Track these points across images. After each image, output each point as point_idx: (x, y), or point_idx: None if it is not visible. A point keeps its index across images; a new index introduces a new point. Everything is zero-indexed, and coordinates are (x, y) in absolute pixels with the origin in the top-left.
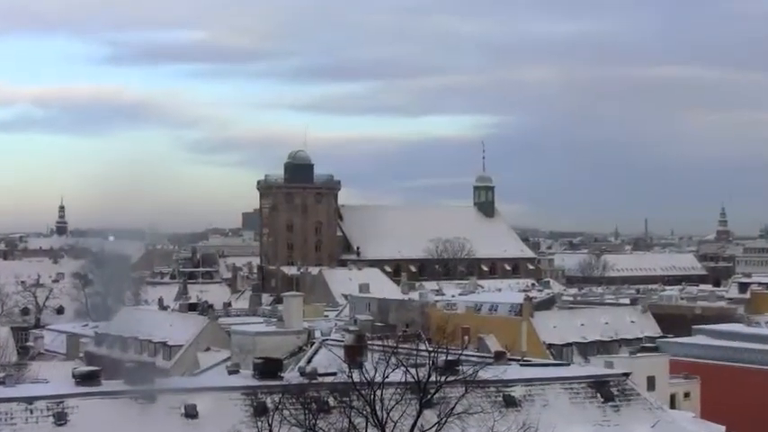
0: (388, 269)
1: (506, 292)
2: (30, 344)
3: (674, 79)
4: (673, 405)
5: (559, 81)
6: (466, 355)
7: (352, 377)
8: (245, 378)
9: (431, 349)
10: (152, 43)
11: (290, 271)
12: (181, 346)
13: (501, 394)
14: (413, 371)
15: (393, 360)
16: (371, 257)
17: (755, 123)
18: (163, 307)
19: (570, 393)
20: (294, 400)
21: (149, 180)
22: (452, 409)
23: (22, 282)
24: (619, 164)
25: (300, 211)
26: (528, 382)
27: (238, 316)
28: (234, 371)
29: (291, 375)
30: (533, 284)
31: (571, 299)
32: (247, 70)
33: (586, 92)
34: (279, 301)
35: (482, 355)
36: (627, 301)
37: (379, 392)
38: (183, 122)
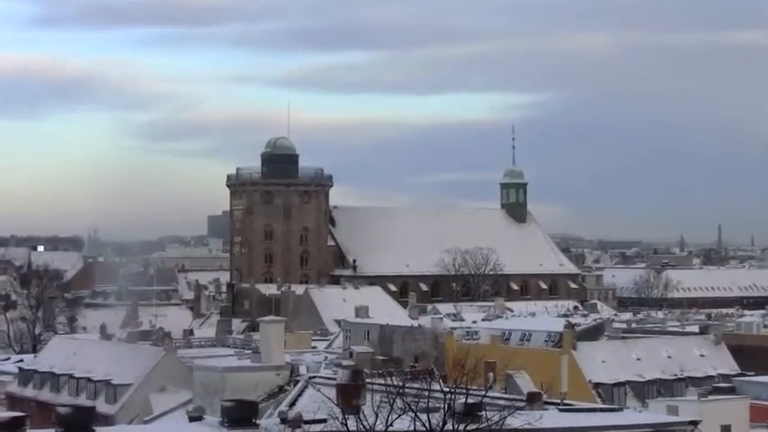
0: (393, 288)
1: (542, 318)
2: None
3: (758, 46)
4: None
5: (614, 49)
6: (491, 398)
7: (346, 424)
8: (211, 426)
9: (446, 390)
10: (93, 0)
11: (269, 290)
12: (129, 385)
13: None
14: (423, 417)
15: (399, 403)
16: (371, 273)
17: None
18: (106, 336)
19: None
20: None
21: (88, 175)
22: None
23: None
24: (686, 154)
25: (282, 215)
26: (570, 431)
27: (203, 347)
28: (196, 417)
29: (270, 422)
30: (576, 308)
31: (624, 326)
32: (215, 35)
33: (647, 63)
34: (254, 328)
35: (511, 397)
36: (695, 329)
37: None
38: (133, 102)
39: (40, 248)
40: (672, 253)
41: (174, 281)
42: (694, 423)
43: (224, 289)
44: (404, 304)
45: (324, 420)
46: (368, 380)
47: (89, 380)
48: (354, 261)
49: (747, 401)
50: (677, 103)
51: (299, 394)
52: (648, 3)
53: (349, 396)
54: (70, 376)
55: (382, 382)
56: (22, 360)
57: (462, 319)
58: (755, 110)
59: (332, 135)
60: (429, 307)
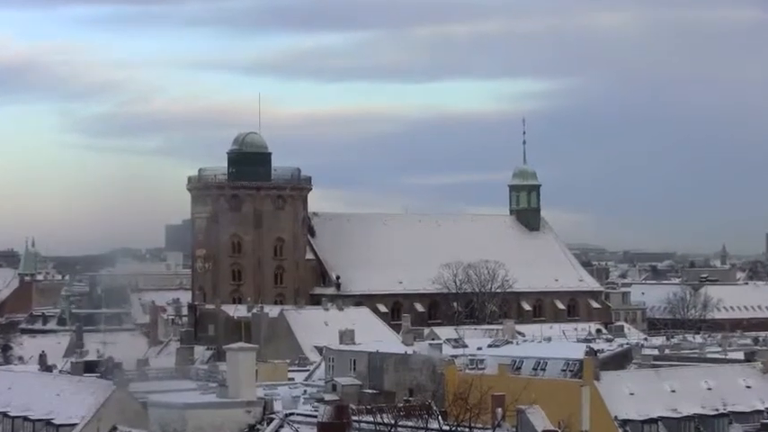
0: (384, 309)
1: (559, 343)
2: None
3: None
4: None
5: (642, 29)
6: None
7: None
8: None
9: (446, 428)
10: None
11: (238, 312)
12: (73, 425)
13: None
14: None
15: None
16: (358, 291)
17: None
18: (46, 367)
19: None
20: None
21: (24, 178)
22: None
23: None
24: (728, 150)
25: (252, 224)
26: None
27: (160, 380)
28: None
29: None
30: (599, 331)
31: (656, 352)
32: (175, 14)
33: (683, 45)
34: (220, 357)
35: None
36: (740, 355)
37: None
38: (76, 92)
39: None
40: (712, 266)
41: (126, 302)
42: None
43: (185, 311)
44: (396, 328)
45: None
46: (354, 417)
47: (26, 419)
48: (338, 278)
49: None
50: (718, 90)
51: None
52: None
53: None
54: (4, 415)
55: (371, 419)
56: None
57: (465, 346)
58: None
59: (311, 130)
60: (426, 331)
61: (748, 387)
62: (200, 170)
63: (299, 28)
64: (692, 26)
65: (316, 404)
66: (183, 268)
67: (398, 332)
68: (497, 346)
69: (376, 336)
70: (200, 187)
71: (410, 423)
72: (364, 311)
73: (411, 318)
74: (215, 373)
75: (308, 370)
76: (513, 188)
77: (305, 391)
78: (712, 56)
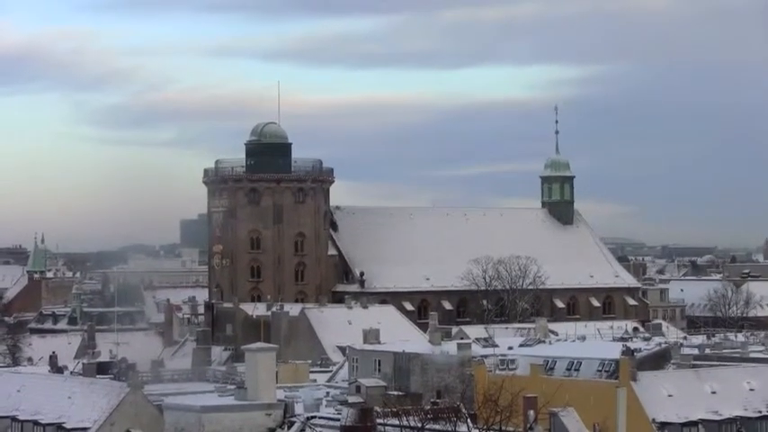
0: (410, 307)
1: (594, 342)
2: None
3: None
4: None
5: (688, 11)
6: None
7: None
8: None
9: (476, 431)
10: None
11: (257, 311)
12: (85, 429)
13: None
14: None
15: None
16: (383, 288)
17: None
18: (57, 369)
19: None
20: None
21: (34, 171)
22: None
23: None
24: None
25: (272, 218)
26: None
27: (176, 381)
28: None
29: None
30: (636, 329)
31: (696, 351)
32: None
33: (732, 29)
34: (239, 357)
35: None
36: None
37: None
38: (88, 80)
39: None
40: (754, 261)
41: (140, 300)
42: None
43: (201, 310)
44: (423, 327)
45: None
46: (379, 420)
47: (36, 423)
48: (362, 274)
49: None
50: (763, 79)
51: None
52: None
53: None
54: (13, 419)
55: (397, 422)
56: None
57: (495, 345)
58: None
59: (333, 120)
60: (454, 330)
61: None
62: (216, 162)
63: (321, 12)
64: (739, 10)
65: (339, 407)
66: (199, 265)
67: (425, 331)
68: (529, 345)
69: (402, 335)
70: (216, 180)
71: (438, 426)
72: (389, 309)
73: (438, 316)
74: (233, 374)
75: (330, 371)
76: (545, 180)
77: (327, 393)
78: (760, 42)
